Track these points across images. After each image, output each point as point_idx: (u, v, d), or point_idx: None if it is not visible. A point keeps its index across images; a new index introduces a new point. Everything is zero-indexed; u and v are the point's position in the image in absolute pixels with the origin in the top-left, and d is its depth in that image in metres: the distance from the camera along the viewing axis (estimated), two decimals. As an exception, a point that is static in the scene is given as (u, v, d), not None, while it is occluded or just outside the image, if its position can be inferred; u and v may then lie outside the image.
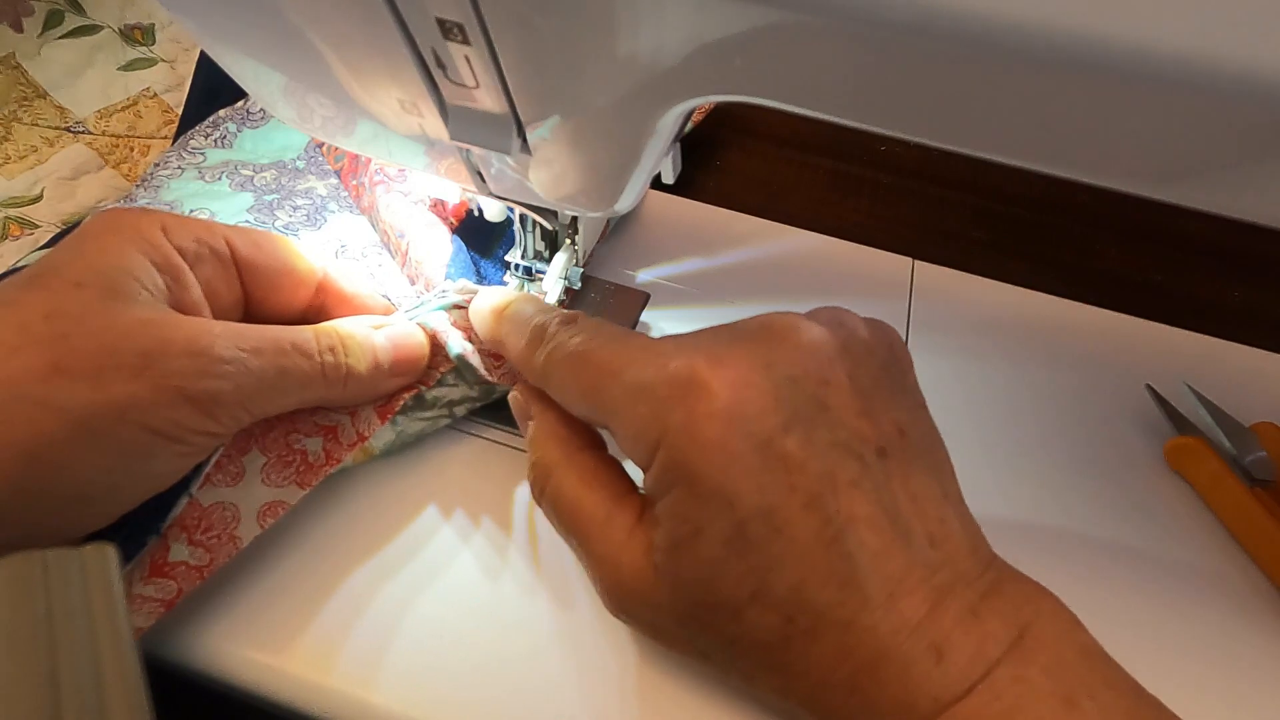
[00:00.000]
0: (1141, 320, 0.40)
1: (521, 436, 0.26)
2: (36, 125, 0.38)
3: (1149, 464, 0.34)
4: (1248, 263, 0.46)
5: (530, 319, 0.25)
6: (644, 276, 0.39)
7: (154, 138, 0.42)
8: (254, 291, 0.26)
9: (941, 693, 0.18)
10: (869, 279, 0.40)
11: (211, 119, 0.41)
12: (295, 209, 0.35)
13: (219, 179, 0.37)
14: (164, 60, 0.41)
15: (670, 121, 0.20)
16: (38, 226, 0.38)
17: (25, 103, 0.38)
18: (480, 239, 0.36)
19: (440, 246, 0.33)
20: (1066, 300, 0.40)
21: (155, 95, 0.41)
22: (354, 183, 0.37)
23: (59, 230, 0.39)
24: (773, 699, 0.21)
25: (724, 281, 0.39)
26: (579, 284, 0.34)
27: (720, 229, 0.42)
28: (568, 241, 0.32)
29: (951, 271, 0.41)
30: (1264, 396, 0.36)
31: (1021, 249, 0.45)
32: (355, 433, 0.27)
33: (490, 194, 0.28)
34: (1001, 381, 0.37)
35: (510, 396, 0.27)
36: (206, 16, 0.22)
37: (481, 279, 0.34)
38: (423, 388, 0.28)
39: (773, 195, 0.47)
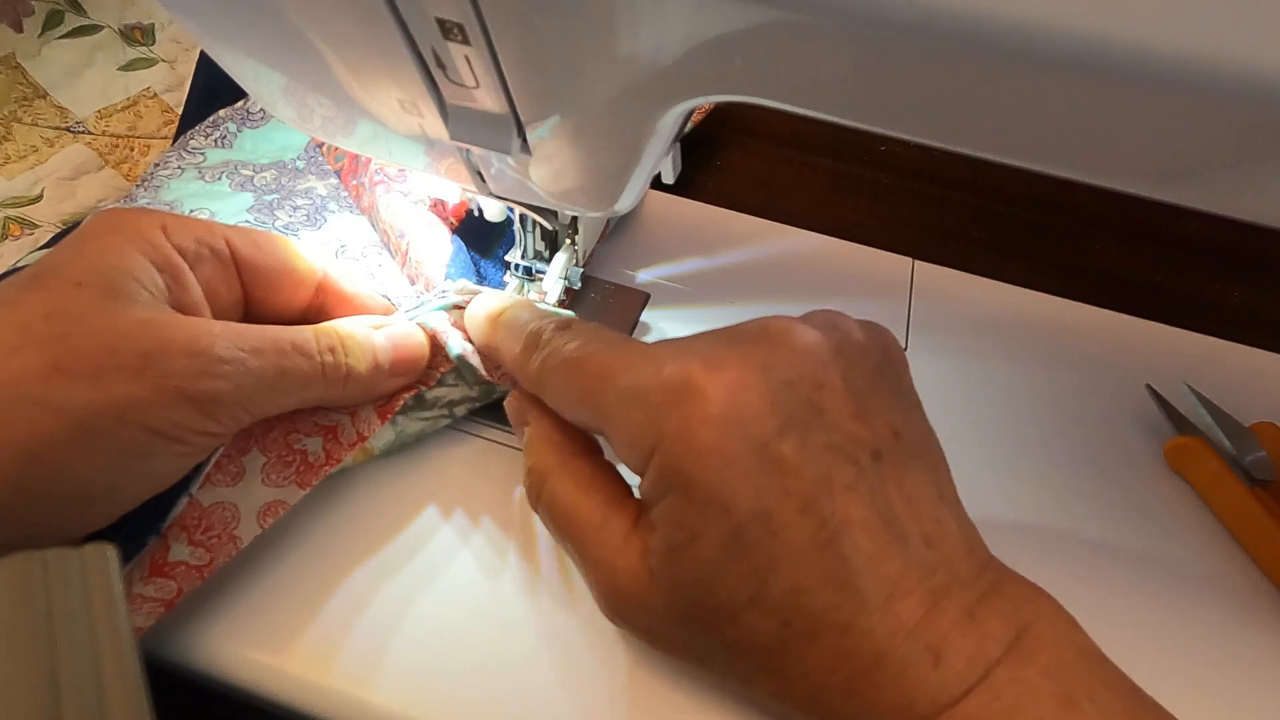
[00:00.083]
0: (1141, 320, 0.40)
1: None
2: (36, 125, 0.38)
3: (1149, 464, 0.34)
4: (1248, 263, 0.46)
5: (525, 325, 0.25)
6: (644, 276, 0.39)
7: (154, 138, 0.42)
8: (254, 291, 0.26)
9: (939, 694, 0.18)
10: (869, 279, 0.40)
11: (211, 119, 0.41)
12: (295, 209, 0.35)
13: (219, 179, 0.37)
14: (164, 60, 0.41)
15: (670, 121, 0.20)
16: (38, 226, 0.38)
17: (25, 103, 0.38)
18: (480, 239, 0.36)
19: (440, 246, 0.33)
20: (1066, 300, 0.40)
21: (155, 95, 0.41)
22: (354, 183, 0.37)
23: (59, 230, 0.39)
24: (770, 703, 0.21)
25: (724, 281, 0.39)
26: (579, 284, 0.34)
27: (720, 229, 0.42)
28: (568, 241, 0.32)
29: (951, 271, 0.41)
30: (1264, 396, 0.36)
31: (1021, 249, 0.45)
32: (355, 433, 0.27)
33: (490, 194, 0.28)
34: (1001, 381, 0.37)
35: (506, 402, 0.27)
36: (206, 16, 0.22)
37: (481, 279, 0.34)
38: (423, 388, 0.28)
39: (773, 195, 0.47)
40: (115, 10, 0.39)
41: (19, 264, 0.33)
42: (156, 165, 0.38)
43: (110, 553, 0.18)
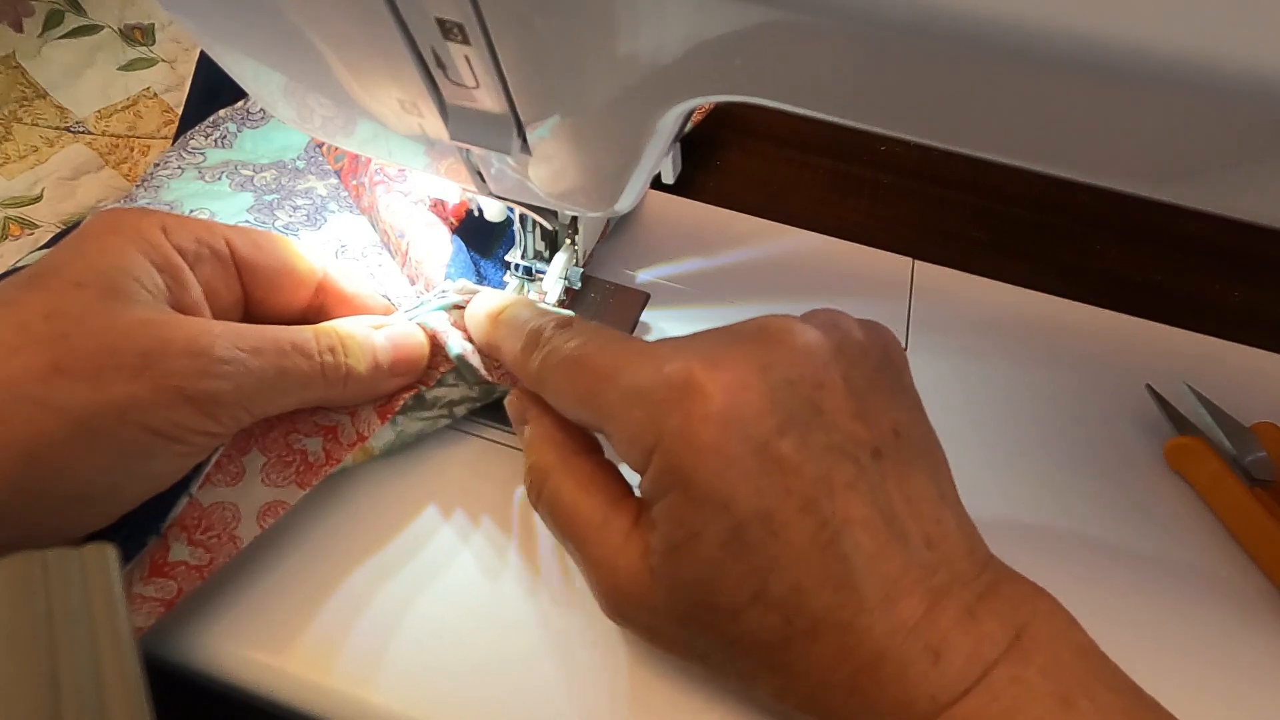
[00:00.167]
0: (1141, 320, 0.40)
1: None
2: (36, 125, 0.38)
3: (1149, 464, 0.34)
4: (1248, 263, 0.46)
5: (525, 323, 0.25)
6: (644, 276, 0.39)
7: (154, 138, 0.42)
8: (254, 291, 0.26)
9: (939, 693, 0.18)
10: (869, 279, 0.40)
11: (211, 119, 0.41)
12: (295, 209, 0.35)
13: (219, 179, 0.37)
14: (164, 60, 0.41)
15: (670, 121, 0.20)
16: (38, 226, 0.38)
17: (25, 103, 0.38)
18: (480, 239, 0.36)
19: (440, 246, 0.33)
20: (1066, 300, 0.40)
21: (155, 95, 0.41)
22: (354, 183, 0.37)
23: (59, 230, 0.39)
24: (771, 701, 0.21)
25: (724, 281, 0.39)
26: (579, 284, 0.34)
27: (720, 229, 0.42)
28: (568, 241, 0.32)
29: (951, 271, 0.41)
30: (1264, 396, 0.36)
31: (1021, 249, 0.45)
32: (355, 433, 0.27)
33: (490, 194, 0.28)
34: (1001, 381, 0.37)
35: (506, 401, 0.27)
36: (206, 16, 0.22)
37: (481, 279, 0.34)
38: (423, 388, 0.28)
39: (773, 195, 0.47)
40: (115, 10, 0.39)
41: (19, 264, 0.33)
42: (156, 165, 0.38)
43: (110, 553, 0.18)
